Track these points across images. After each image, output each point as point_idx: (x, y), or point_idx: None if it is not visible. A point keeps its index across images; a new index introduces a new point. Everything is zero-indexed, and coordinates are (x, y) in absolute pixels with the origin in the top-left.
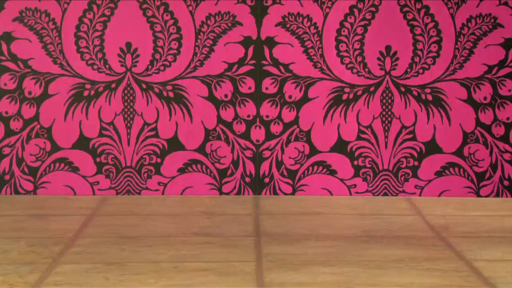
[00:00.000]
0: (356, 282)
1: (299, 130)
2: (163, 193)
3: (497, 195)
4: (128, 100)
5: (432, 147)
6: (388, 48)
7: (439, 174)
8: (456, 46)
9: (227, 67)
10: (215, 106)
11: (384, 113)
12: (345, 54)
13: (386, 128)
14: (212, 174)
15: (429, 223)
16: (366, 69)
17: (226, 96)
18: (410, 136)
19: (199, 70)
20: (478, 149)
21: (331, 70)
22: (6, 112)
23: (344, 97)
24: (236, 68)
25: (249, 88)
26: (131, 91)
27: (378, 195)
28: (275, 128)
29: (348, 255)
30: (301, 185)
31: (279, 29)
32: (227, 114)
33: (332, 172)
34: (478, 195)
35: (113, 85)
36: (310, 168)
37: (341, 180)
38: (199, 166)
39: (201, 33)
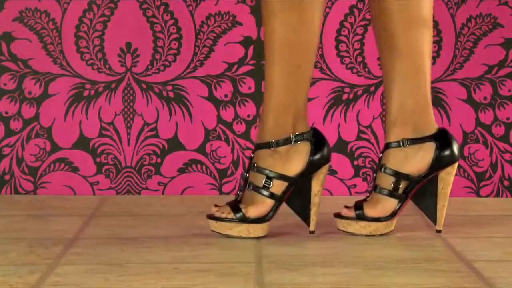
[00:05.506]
0: (355, 283)
1: None
2: (163, 193)
3: (497, 195)
4: (128, 100)
5: None
6: None
7: None
8: (456, 46)
9: (227, 67)
10: (215, 106)
11: (384, 113)
12: (345, 54)
13: None
14: (212, 174)
15: (428, 223)
16: (366, 69)
17: (226, 96)
18: None
19: (199, 70)
20: (478, 149)
21: (331, 70)
22: (6, 112)
23: (344, 97)
24: (236, 68)
25: (249, 88)
26: (131, 91)
27: None
28: None
29: (348, 255)
30: None
31: None
32: (227, 114)
33: (332, 172)
34: (478, 195)
35: (113, 85)
36: None
37: (341, 180)
38: (199, 166)
39: (201, 33)
